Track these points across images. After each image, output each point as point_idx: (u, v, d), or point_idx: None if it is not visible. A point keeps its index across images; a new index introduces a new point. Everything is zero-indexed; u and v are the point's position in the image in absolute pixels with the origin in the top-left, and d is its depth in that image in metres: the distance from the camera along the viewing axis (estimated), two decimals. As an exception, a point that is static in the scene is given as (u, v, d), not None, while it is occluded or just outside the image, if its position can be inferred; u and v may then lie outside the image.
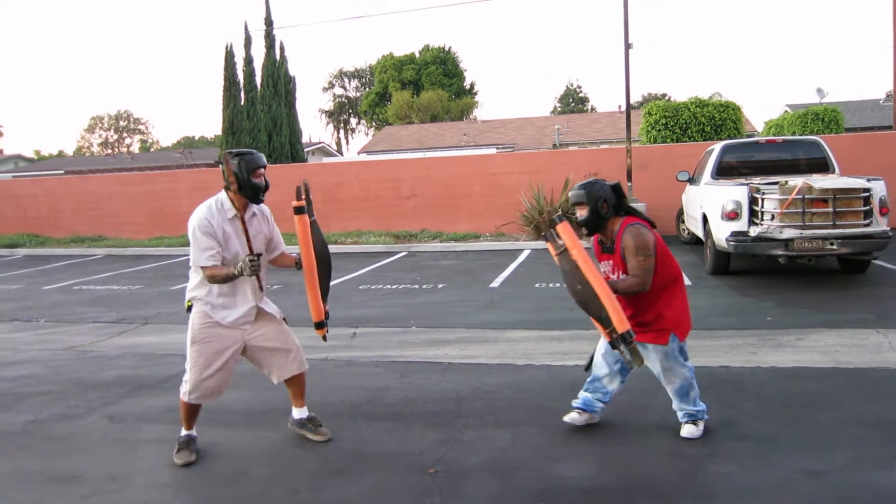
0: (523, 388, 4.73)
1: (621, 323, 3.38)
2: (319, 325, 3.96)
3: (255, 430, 4.23)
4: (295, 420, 4.07)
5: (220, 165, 3.71)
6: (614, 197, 3.75)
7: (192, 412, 3.85)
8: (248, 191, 3.68)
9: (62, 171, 33.90)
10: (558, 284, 8.77)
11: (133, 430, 4.31)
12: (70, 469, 3.75)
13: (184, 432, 3.87)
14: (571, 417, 3.96)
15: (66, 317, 8.24)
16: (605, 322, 3.45)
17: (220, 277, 3.62)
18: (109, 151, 67.25)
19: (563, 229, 3.53)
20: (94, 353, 6.36)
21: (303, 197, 3.82)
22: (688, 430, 3.77)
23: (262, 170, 3.70)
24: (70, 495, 3.45)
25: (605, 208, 3.71)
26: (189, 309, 3.78)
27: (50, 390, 5.22)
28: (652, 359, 3.78)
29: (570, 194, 3.81)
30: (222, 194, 3.74)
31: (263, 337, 3.91)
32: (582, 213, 3.74)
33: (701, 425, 3.79)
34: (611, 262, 3.80)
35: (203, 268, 3.63)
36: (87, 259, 14.81)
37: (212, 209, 3.69)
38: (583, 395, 3.99)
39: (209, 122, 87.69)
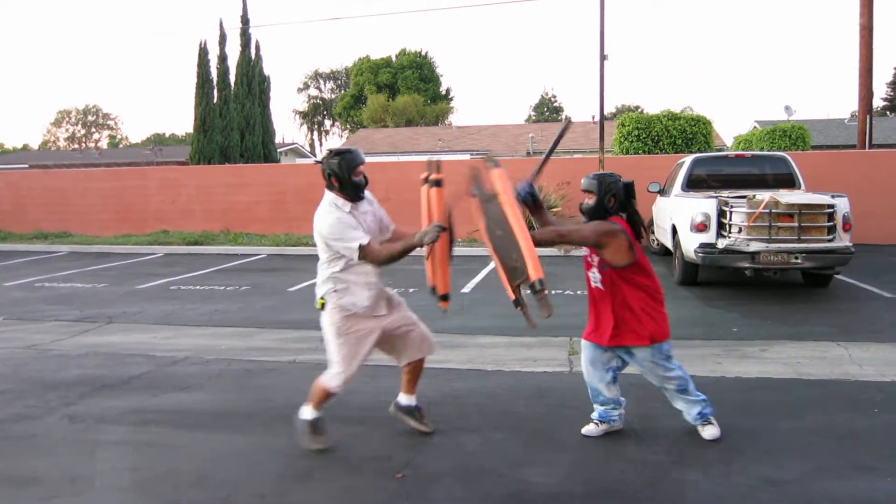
0: (492, 394, 4.74)
1: (536, 269, 3.28)
2: (444, 298, 4.04)
3: (221, 432, 4.17)
4: (402, 406, 4.09)
5: (321, 165, 3.71)
6: (623, 194, 3.79)
7: (328, 398, 3.87)
8: (350, 189, 3.68)
9: (27, 165, 33.14)
10: (529, 291, 8.80)
11: (94, 431, 4.21)
12: (28, 471, 3.65)
13: (313, 414, 3.84)
14: (588, 430, 3.97)
15: (26, 314, 8.04)
16: (518, 273, 3.39)
17: (396, 252, 3.66)
18: (77, 146, 65.86)
19: (500, 175, 3.56)
20: (55, 352, 6.21)
21: (439, 171, 3.87)
22: (709, 433, 3.83)
23: (362, 167, 3.71)
24: (28, 498, 3.36)
25: (611, 202, 3.76)
26: (322, 307, 3.76)
27: (8, 389, 5.08)
28: (640, 364, 3.82)
29: (582, 181, 3.85)
30: (330, 195, 3.72)
31: (397, 322, 3.99)
32: (589, 200, 3.79)
33: (715, 423, 3.87)
34: (595, 256, 3.80)
35: (366, 249, 3.57)
36: (51, 255, 14.48)
37: (333, 209, 3.67)
38: (597, 408, 3.99)
39: (180, 120, 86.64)
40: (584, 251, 3.94)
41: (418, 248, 3.72)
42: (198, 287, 9.80)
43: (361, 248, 3.57)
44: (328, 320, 3.77)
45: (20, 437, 4.13)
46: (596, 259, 3.80)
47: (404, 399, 4.10)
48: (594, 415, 4.00)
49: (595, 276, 3.84)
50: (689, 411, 3.90)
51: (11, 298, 9.15)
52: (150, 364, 5.73)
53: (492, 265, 11.41)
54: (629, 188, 3.83)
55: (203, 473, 3.58)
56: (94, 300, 8.85)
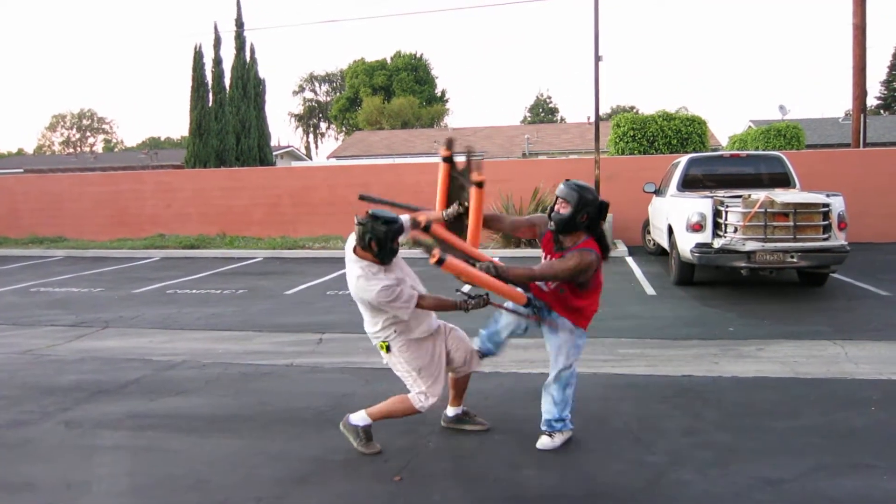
0: (489, 396, 4.73)
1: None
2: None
3: (218, 436, 4.16)
4: (451, 417, 4.14)
5: (360, 227, 3.56)
6: (596, 213, 3.72)
7: (404, 415, 3.89)
8: (388, 256, 3.66)
9: (22, 170, 33.04)
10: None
11: (90, 437, 4.20)
12: (24, 477, 3.64)
13: (367, 420, 3.86)
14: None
15: (22, 319, 8.01)
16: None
17: (434, 304, 3.80)
18: (72, 150, 65.69)
19: (436, 231, 3.82)
20: (51, 357, 6.19)
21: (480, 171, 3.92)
22: (545, 442, 3.83)
23: (401, 236, 3.70)
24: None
25: (584, 218, 3.70)
26: (388, 349, 3.78)
27: (4, 395, 5.06)
28: (557, 333, 3.84)
29: (560, 187, 3.75)
30: (360, 261, 3.65)
31: (448, 339, 4.05)
32: (563, 210, 3.69)
33: (557, 438, 3.84)
34: (552, 258, 3.83)
35: (418, 303, 3.69)
36: (46, 260, 14.44)
37: (370, 276, 3.62)
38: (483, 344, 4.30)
39: (176, 123, 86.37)
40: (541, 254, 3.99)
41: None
42: (194, 291, 9.78)
43: (410, 307, 3.65)
44: (400, 359, 3.80)
45: (16, 443, 4.11)
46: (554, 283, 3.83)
47: (452, 411, 4.17)
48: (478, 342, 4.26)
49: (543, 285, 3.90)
50: (557, 410, 3.87)
51: (7, 304, 9.12)
52: (147, 368, 5.72)
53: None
54: (603, 209, 3.75)
55: (200, 478, 3.58)
56: (90, 305, 8.83)
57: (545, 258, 3.90)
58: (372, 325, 3.78)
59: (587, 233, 3.76)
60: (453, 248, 3.84)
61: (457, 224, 3.98)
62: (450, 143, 4.02)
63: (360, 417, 3.84)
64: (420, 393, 3.78)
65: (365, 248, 3.60)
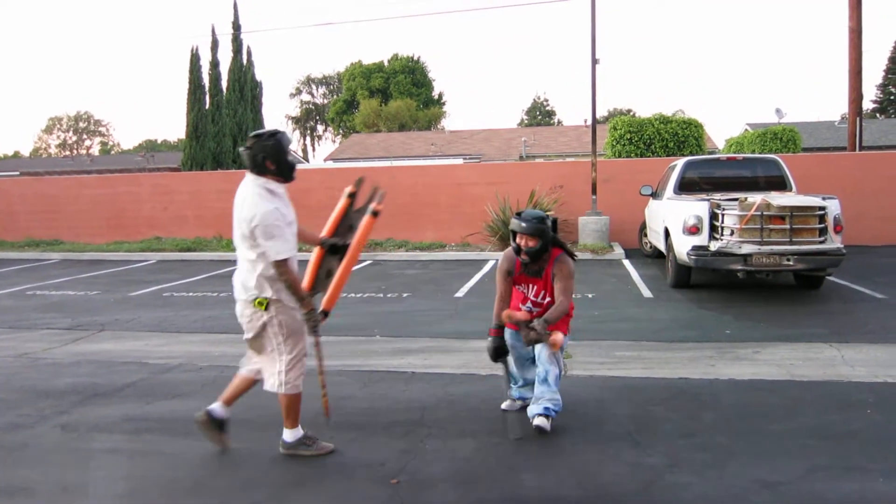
0: (487, 398, 4.73)
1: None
2: (326, 314, 3.98)
3: (215, 439, 4.15)
4: (211, 418, 3.92)
5: (248, 151, 3.61)
6: (552, 231, 4.14)
7: (297, 404, 3.81)
8: (287, 169, 3.66)
9: (18, 173, 32.98)
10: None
11: (87, 440, 4.19)
12: (20, 481, 3.63)
13: (300, 431, 3.82)
14: (507, 405, 4.46)
15: (18, 323, 7.99)
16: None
17: (288, 283, 3.57)
18: (68, 153, 65.60)
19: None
20: (48, 361, 6.18)
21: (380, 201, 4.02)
22: (541, 422, 4.04)
23: (291, 146, 3.72)
24: (19, 507, 3.34)
25: (548, 245, 4.11)
26: (267, 306, 3.62)
27: (0, 398, 5.04)
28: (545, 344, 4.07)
29: (521, 225, 4.05)
30: (260, 179, 3.61)
31: None
32: (532, 244, 4.05)
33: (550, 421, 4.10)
34: (535, 285, 4.21)
35: (281, 262, 3.52)
36: (43, 263, 14.40)
37: (269, 196, 3.58)
38: (516, 390, 4.49)
39: (172, 126, 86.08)
40: (524, 291, 4.28)
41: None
42: (191, 293, 9.77)
43: (280, 261, 3.52)
44: (273, 321, 3.65)
45: (12, 447, 4.10)
46: (546, 300, 4.20)
47: (219, 409, 3.95)
48: (514, 394, 4.46)
49: (531, 308, 4.22)
50: (547, 398, 4.06)
51: (3, 307, 9.09)
52: (144, 371, 5.71)
53: (486, 269, 11.41)
54: (555, 224, 4.27)
55: (197, 481, 3.57)
56: (87, 308, 8.81)
57: (527, 287, 4.26)
58: (254, 276, 3.61)
59: (552, 246, 4.18)
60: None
61: (332, 254, 4.14)
62: (358, 182, 4.15)
63: (289, 434, 3.80)
64: (280, 371, 3.69)
65: (262, 170, 3.59)
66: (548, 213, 4.24)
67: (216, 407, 3.91)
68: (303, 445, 3.81)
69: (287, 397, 3.75)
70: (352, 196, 4.11)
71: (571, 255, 4.25)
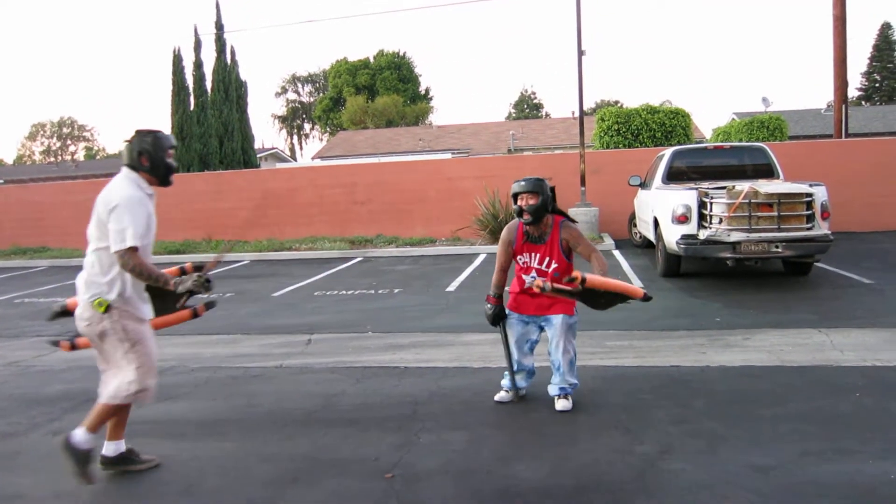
0: (479, 391, 4.74)
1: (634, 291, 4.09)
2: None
3: (208, 440, 4.14)
4: (112, 457, 3.66)
5: (126, 145, 3.52)
6: (552, 197, 4.28)
7: (125, 415, 3.60)
8: (162, 170, 3.54)
9: (1, 181, 32.70)
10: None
11: (79, 444, 4.15)
12: (13, 488, 3.60)
13: (113, 445, 3.59)
14: (500, 396, 4.49)
15: (7, 331, 7.93)
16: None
17: (153, 277, 3.34)
18: (52, 159, 65.05)
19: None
20: (38, 368, 6.13)
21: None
22: (563, 404, 4.24)
23: (173, 150, 3.61)
24: (11, 513, 3.32)
25: (548, 204, 4.23)
26: (108, 309, 3.36)
27: (-10, 405, 5.01)
28: (556, 329, 4.24)
29: (521, 184, 4.23)
30: (133, 174, 3.47)
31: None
32: (533, 201, 4.17)
33: (571, 399, 4.28)
34: (538, 252, 4.32)
35: (131, 250, 3.28)
36: (30, 271, 14.29)
37: (136, 185, 3.44)
38: (516, 379, 4.48)
39: (158, 128, 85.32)
40: (527, 261, 4.37)
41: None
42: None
43: (130, 249, 3.28)
44: (116, 327, 3.39)
45: (4, 455, 4.07)
46: (551, 267, 4.28)
47: (112, 446, 3.65)
48: (506, 384, 4.49)
49: (535, 278, 4.16)
50: (567, 380, 4.29)
51: (-9, 313, 9.02)
52: (135, 374, 5.67)
53: (476, 262, 11.42)
54: (553, 191, 4.33)
55: (191, 482, 3.56)
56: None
57: (529, 256, 4.35)
58: (101, 270, 3.38)
59: (552, 214, 4.30)
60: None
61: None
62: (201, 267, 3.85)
63: (82, 439, 3.45)
64: (130, 381, 3.42)
65: (137, 166, 3.48)
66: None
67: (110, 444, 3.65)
68: (132, 461, 3.60)
69: (113, 406, 3.48)
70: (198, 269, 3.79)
71: (572, 221, 4.38)
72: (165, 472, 3.69)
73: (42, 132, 72.49)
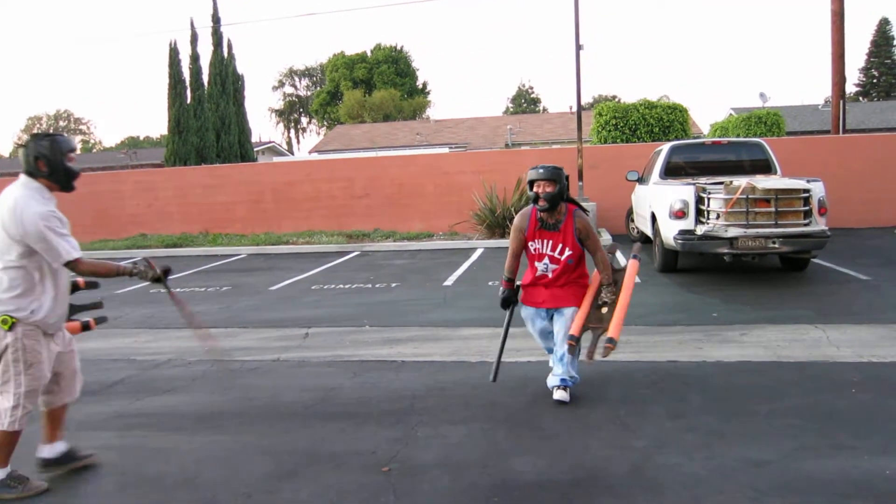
0: (477, 385, 4.75)
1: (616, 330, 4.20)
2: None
3: (205, 433, 4.14)
4: (53, 459, 3.61)
5: (22, 150, 3.33)
6: (567, 182, 4.36)
7: (15, 442, 3.37)
8: (62, 175, 3.34)
9: (-2, 172, 32.53)
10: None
11: (77, 438, 4.13)
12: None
13: (6, 471, 3.36)
14: (563, 396, 4.38)
15: None
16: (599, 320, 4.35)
17: (102, 272, 3.35)
18: (75, 154, 64.73)
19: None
20: (34, 359, 6.12)
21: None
22: (561, 395, 4.32)
23: (74, 153, 3.42)
24: (9, 505, 3.32)
25: (564, 192, 4.29)
26: (11, 327, 3.22)
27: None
28: (566, 321, 4.29)
29: (539, 171, 4.28)
30: (33, 183, 3.29)
31: (67, 350, 3.56)
32: (550, 189, 4.24)
33: (569, 392, 4.36)
34: (552, 239, 4.34)
35: (76, 260, 3.25)
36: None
37: (41, 200, 3.26)
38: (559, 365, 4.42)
39: (154, 122, 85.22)
40: (539, 248, 4.41)
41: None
42: (177, 289, 9.70)
43: (75, 260, 3.25)
44: (11, 344, 3.23)
45: None
46: (565, 254, 4.34)
47: (48, 450, 3.59)
48: (553, 381, 4.42)
49: (548, 265, 4.37)
50: (569, 373, 4.35)
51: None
52: (133, 368, 5.68)
53: (474, 257, 11.42)
54: (568, 179, 4.43)
55: (189, 475, 3.56)
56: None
57: (542, 243, 4.38)
58: (6, 287, 3.22)
59: (565, 202, 4.36)
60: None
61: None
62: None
63: None
64: (14, 407, 3.25)
65: (34, 173, 3.29)
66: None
67: (46, 447, 3.61)
68: (6, 488, 3.33)
69: (5, 434, 3.30)
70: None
71: (584, 211, 4.46)
72: (164, 465, 3.70)
73: (38, 125, 72.21)
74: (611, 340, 4.06)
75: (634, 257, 4.44)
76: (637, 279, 8.70)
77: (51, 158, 3.30)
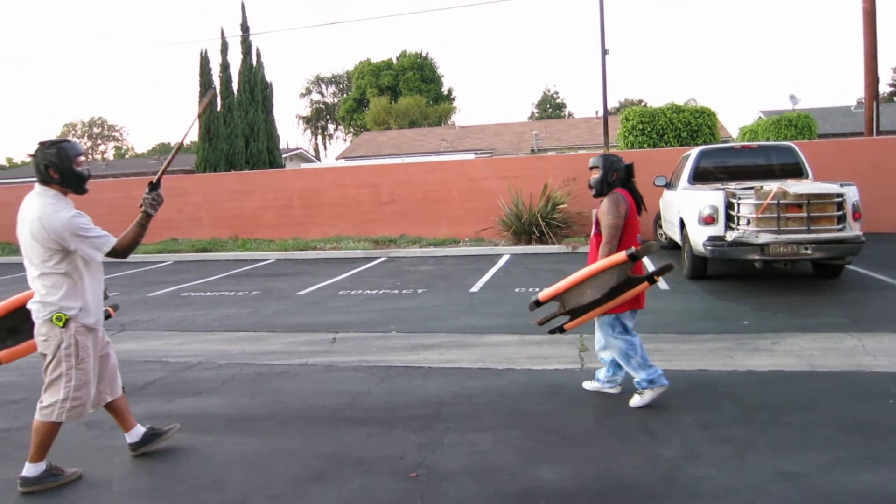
0: (503, 392, 4.74)
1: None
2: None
3: (235, 436, 4.19)
4: (137, 441, 3.88)
5: (32, 160, 3.49)
6: (625, 172, 4.45)
7: (55, 435, 3.55)
8: (73, 180, 3.50)
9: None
10: (538, 289, 8.80)
11: (110, 437, 4.24)
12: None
13: (43, 467, 3.53)
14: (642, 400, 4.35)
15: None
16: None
17: (134, 236, 3.54)
18: (83, 158, 66.17)
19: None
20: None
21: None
22: (634, 401, 4.33)
23: (81, 157, 3.56)
24: (47, 503, 3.40)
25: (613, 176, 4.40)
26: (66, 323, 3.43)
27: (25, 398, 5.12)
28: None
29: (591, 159, 4.50)
30: (49, 190, 3.46)
31: (104, 349, 3.72)
32: (595, 175, 4.45)
33: (647, 395, 4.31)
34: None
35: (113, 250, 3.48)
36: (61, 265, 14.55)
37: (61, 206, 3.44)
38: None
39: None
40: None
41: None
42: (208, 293, 9.85)
43: (111, 250, 3.46)
44: (65, 342, 3.44)
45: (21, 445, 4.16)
46: (592, 233, 4.52)
47: (131, 436, 3.89)
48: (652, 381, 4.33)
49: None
50: (634, 378, 4.36)
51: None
52: (164, 370, 5.77)
53: (500, 263, 11.40)
54: (630, 168, 4.49)
55: (219, 476, 3.61)
56: (106, 309, 8.90)
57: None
58: (51, 291, 3.41)
59: (610, 187, 4.42)
60: None
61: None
62: None
63: (31, 469, 3.50)
64: (62, 399, 3.44)
65: (47, 180, 3.45)
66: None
67: (128, 434, 3.89)
68: (51, 477, 3.54)
69: (50, 426, 3.50)
70: None
71: (637, 202, 4.43)
72: (194, 466, 3.75)
73: (73, 132, 73.76)
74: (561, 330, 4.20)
75: (630, 254, 4.02)
76: (666, 286, 8.68)
77: (59, 165, 3.45)
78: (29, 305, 3.53)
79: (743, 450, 3.63)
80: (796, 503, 3.05)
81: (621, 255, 4.03)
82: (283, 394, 5.00)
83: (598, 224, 4.40)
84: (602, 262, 4.09)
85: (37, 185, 3.50)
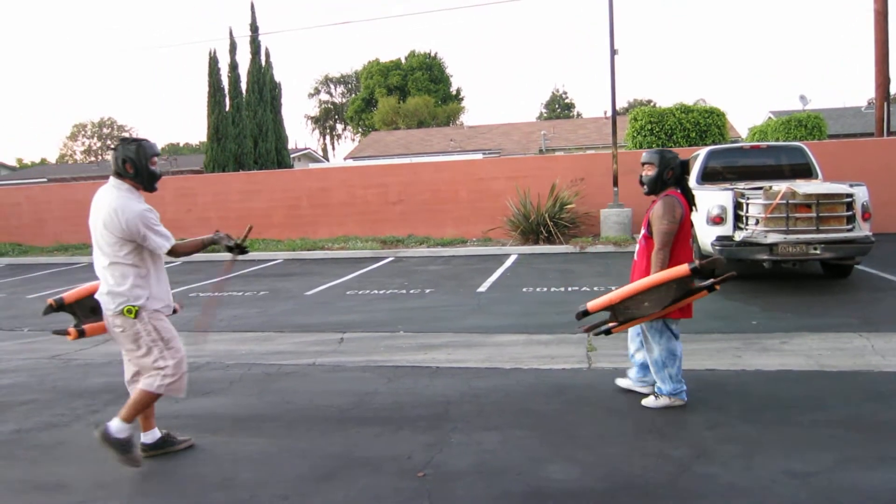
0: (511, 392, 4.75)
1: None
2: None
3: (243, 436, 4.22)
4: (150, 444, 3.93)
5: (112, 153, 3.70)
6: (680, 169, 4.24)
7: (152, 404, 3.80)
8: (146, 177, 3.70)
9: (45, 179, 33.60)
10: (545, 289, 8.81)
11: (119, 438, 4.27)
12: (56, 478, 3.72)
13: (149, 434, 3.87)
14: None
15: (50, 326, 8.14)
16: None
17: (192, 248, 3.82)
18: (93, 159, 66.61)
19: None
20: (80, 361, 6.31)
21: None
22: (647, 402, 4.31)
23: (157, 157, 3.76)
24: (57, 500, 3.42)
25: (669, 174, 4.22)
26: (137, 314, 3.64)
27: (35, 399, 5.17)
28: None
29: (643, 155, 4.29)
30: (124, 184, 3.68)
31: None
32: (649, 172, 4.26)
33: (661, 400, 4.27)
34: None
35: (172, 249, 3.72)
36: (72, 267, 14.67)
37: (134, 198, 3.67)
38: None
39: (194, 129, 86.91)
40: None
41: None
42: (217, 293, 9.89)
43: (172, 247, 3.71)
44: (146, 329, 3.68)
45: (49, 445, 4.20)
46: (641, 233, 4.38)
47: (148, 437, 3.93)
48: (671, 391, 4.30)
49: (637, 245, 4.42)
50: (654, 380, 4.38)
51: (34, 311, 9.28)
52: (172, 370, 5.80)
53: (508, 263, 11.39)
54: (685, 165, 4.26)
55: (226, 476, 3.63)
56: (116, 309, 8.95)
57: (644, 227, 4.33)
58: (119, 281, 3.62)
59: (665, 187, 4.26)
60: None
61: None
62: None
63: (118, 428, 3.63)
64: (163, 374, 3.67)
65: (123, 174, 3.65)
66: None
67: (145, 434, 3.95)
68: (173, 442, 3.93)
69: (151, 396, 3.70)
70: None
71: (689, 202, 4.23)
72: (202, 465, 3.77)
73: (83, 132, 74.28)
74: (608, 331, 4.07)
75: (693, 267, 3.90)
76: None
77: (136, 162, 3.64)
78: (97, 297, 3.73)
79: (751, 449, 3.62)
80: (805, 503, 3.04)
81: (683, 269, 3.86)
82: (290, 394, 5.02)
83: (648, 226, 4.24)
84: (661, 275, 3.94)
85: (111, 178, 3.71)
